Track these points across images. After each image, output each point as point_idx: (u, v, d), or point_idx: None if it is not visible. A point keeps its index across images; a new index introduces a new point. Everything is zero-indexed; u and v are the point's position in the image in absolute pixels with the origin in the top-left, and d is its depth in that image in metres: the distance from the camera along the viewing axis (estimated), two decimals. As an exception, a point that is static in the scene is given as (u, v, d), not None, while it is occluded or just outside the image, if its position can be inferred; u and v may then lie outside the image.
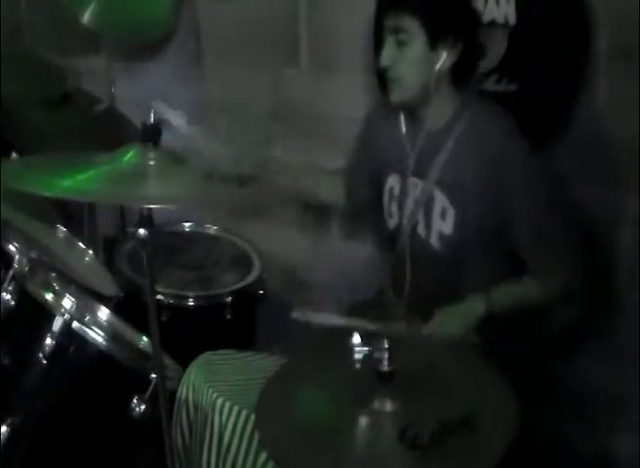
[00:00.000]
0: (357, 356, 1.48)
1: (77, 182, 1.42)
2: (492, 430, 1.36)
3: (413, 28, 1.82)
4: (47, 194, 1.40)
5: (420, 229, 1.96)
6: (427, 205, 1.93)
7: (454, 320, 1.87)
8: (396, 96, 1.90)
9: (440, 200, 1.90)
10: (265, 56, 2.58)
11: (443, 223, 1.90)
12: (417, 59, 1.84)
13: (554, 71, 2.07)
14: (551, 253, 1.88)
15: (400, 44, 1.84)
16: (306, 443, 1.37)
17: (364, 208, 2.23)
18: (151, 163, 1.49)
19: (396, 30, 1.84)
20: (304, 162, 2.34)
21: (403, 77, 1.86)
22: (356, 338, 1.48)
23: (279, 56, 2.58)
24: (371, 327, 1.81)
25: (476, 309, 1.87)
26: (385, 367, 1.43)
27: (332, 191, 2.25)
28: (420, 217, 1.95)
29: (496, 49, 2.12)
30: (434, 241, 1.93)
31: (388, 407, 1.42)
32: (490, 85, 2.14)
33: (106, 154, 1.54)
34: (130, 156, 1.50)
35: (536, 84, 2.10)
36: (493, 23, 2.11)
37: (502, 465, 1.32)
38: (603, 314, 2.19)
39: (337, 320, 1.91)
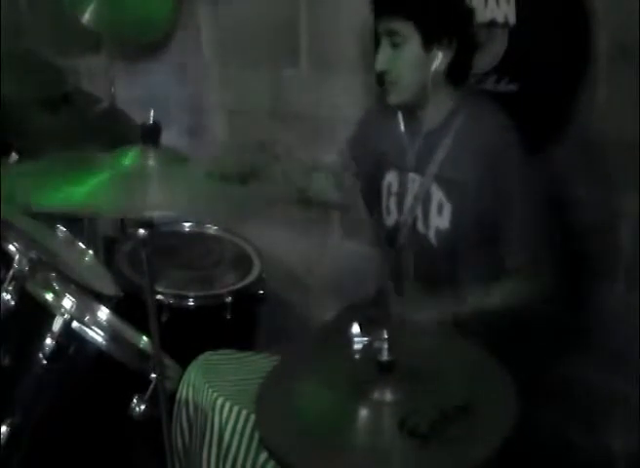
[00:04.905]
0: (357, 346, 1.46)
1: (79, 195, 1.41)
2: (491, 419, 1.35)
3: (407, 31, 1.83)
4: (48, 208, 1.40)
5: (419, 225, 1.96)
6: (425, 200, 1.94)
7: (417, 308, 1.85)
8: (394, 98, 1.91)
9: (437, 195, 1.91)
10: (265, 56, 2.59)
11: (439, 219, 1.91)
12: (412, 61, 1.85)
13: (554, 71, 2.07)
14: (533, 257, 1.86)
15: (395, 46, 1.85)
16: (307, 436, 1.37)
17: (361, 202, 2.23)
18: (152, 164, 1.49)
19: (390, 33, 1.85)
20: (299, 160, 2.34)
21: (399, 80, 1.88)
22: (355, 328, 1.47)
23: (279, 56, 2.58)
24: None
25: (441, 312, 1.83)
26: (385, 356, 1.42)
27: (325, 189, 2.23)
28: (419, 213, 1.96)
29: (496, 49, 2.12)
30: (432, 236, 1.94)
31: (388, 396, 1.41)
32: (490, 85, 2.14)
33: (106, 157, 1.53)
34: (130, 159, 1.50)
35: (536, 84, 2.10)
36: (493, 23, 2.10)
37: (502, 464, 1.32)
38: (602, 314, 2.19)
39: None
